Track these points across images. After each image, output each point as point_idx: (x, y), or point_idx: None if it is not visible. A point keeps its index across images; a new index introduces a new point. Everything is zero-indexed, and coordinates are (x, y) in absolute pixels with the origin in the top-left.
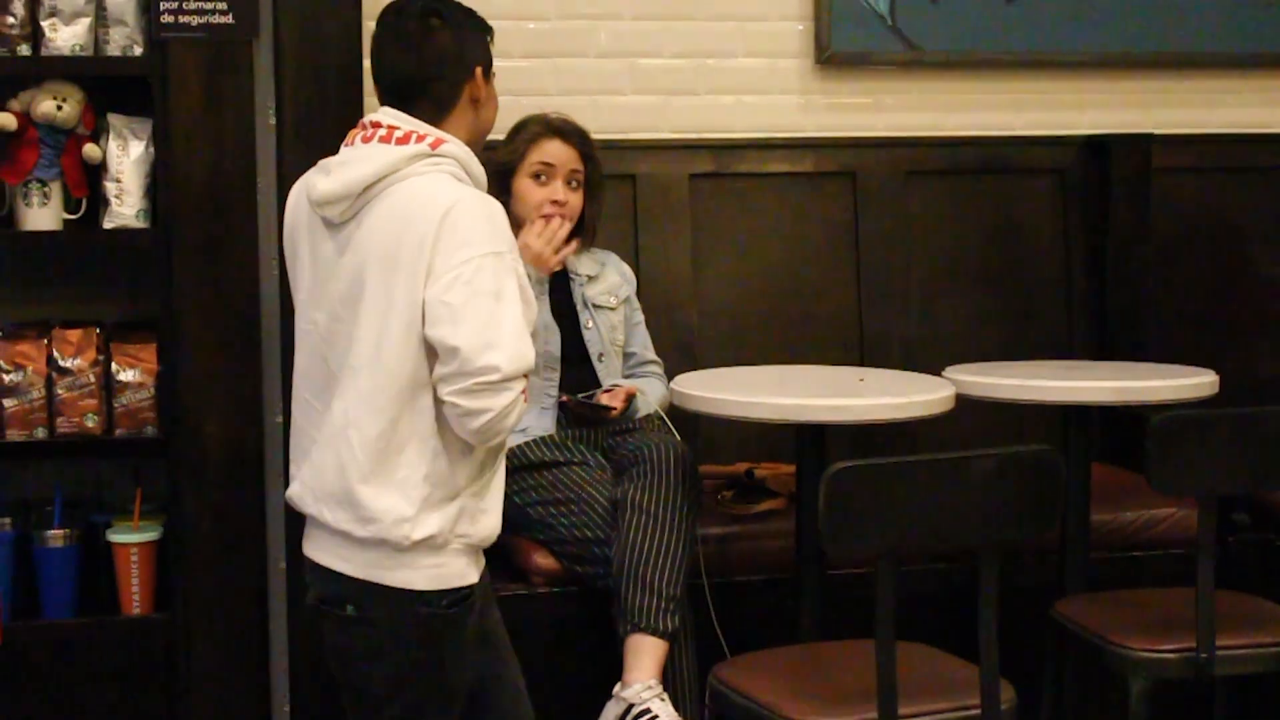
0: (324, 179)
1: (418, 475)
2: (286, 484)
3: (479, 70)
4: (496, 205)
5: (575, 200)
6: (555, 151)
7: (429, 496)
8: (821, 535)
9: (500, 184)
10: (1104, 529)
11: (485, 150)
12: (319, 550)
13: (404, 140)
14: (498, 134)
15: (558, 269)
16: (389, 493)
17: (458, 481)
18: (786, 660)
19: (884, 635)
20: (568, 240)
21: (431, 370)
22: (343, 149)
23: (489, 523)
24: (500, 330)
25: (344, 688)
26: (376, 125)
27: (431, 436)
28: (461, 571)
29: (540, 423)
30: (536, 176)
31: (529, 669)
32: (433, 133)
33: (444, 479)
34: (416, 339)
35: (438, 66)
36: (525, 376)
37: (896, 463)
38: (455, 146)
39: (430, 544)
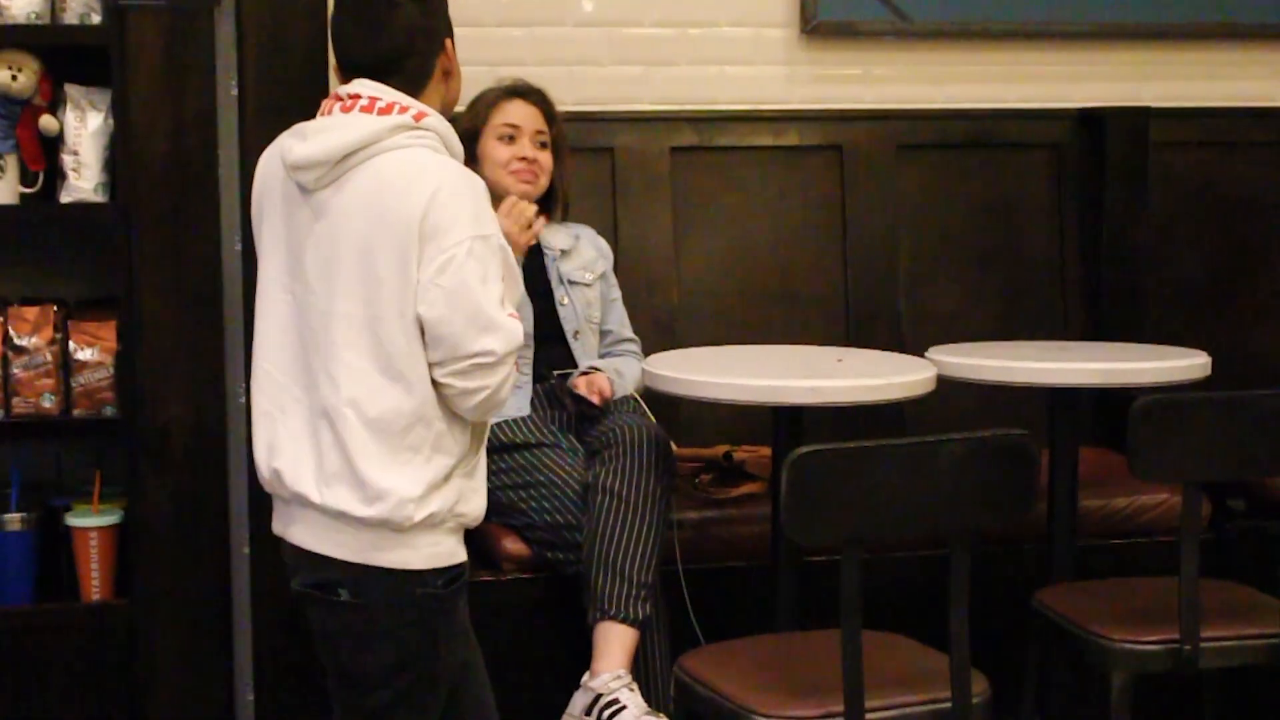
0: (300, 143)
1: (421, 455)
2: (250, 464)
3: (448, 42)
4: (480, 183)
5: (544, 158)
6: (518, 112)
7: (433, 476)
8: (785, 521)
9: (466, 150)
10: (1092, 515)
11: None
12: (306, 534)
13: (386, 111)
14: (458, 106)
15: (530, 245)
16: (394, 472)
17: (454, 460)
18: (756, 650)
19: (850, 625)
20: (541, 213)
21: (425, 349)
22: (319, 118)
23: (479, 502)
24: (491, 314)
25: (332, 674)
26: (355, 96)
27: (432, 415)
28: (453, 550)
29: (513, 402)
30: (502, 138)
31: (497, 657)
32: (415, 105)
33: (443, 458)
34: (411, 317)
35: (409, 42)
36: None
37: (862, 447)
38: (436, 120)
39: (429, 523)
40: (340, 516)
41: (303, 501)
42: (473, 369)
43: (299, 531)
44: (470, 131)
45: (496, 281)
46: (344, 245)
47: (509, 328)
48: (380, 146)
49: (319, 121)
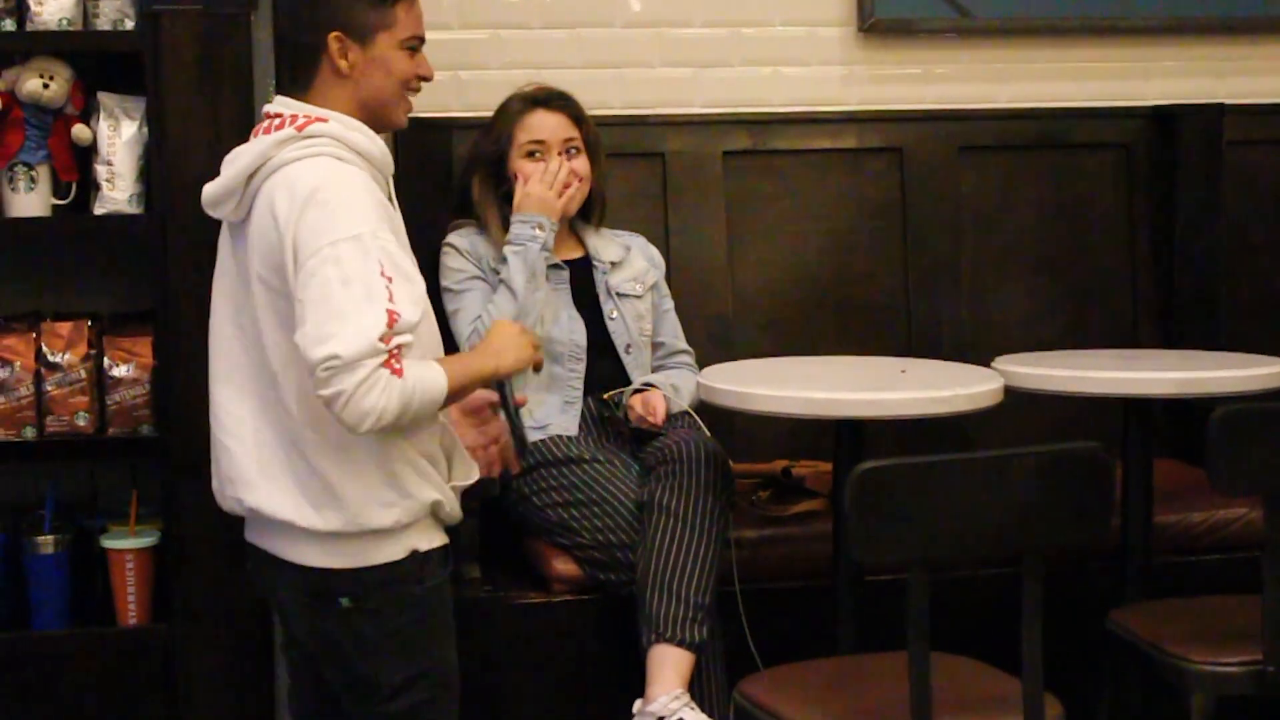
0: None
1: (376, 461)
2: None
3: (332, 37)
4: (360, 180)
5: (580, 165)
6: (542, 124)
7: (403, 477)
8: (848, 539)
9: (496, 172)
10: (1169, 531)
11: (470, 131)
12: (297, 553)
13: (280, 126)
14: (484, 112)
15: (568, 213)
16: (365, 483)
17: (411, 457)
18: (818, 674)
19: (917, 647)
20: (584, 217)
21: None
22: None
23: (445, 488)
24: (341, 320)
25: (345, 685)
26: (270, 116)
27: None
28: (431, 534)
29: (562, 420)
30: (531, 155)
31: (546, 682)
32: (314, 112)
33: (404, 458)
34: None
35: (292, 31)
36: (389, 348)
37: (929, 462)
38: (329, 124)
39: (411, 517)
40: (336, 536)
41: (290, 527)
42: (324, 375)
43: (284, 547)
44: (496, 153)
45: (362, 282)
46: (252, 273)
47: (356, 326)
48: (271, 165)
49: (233, 151)
